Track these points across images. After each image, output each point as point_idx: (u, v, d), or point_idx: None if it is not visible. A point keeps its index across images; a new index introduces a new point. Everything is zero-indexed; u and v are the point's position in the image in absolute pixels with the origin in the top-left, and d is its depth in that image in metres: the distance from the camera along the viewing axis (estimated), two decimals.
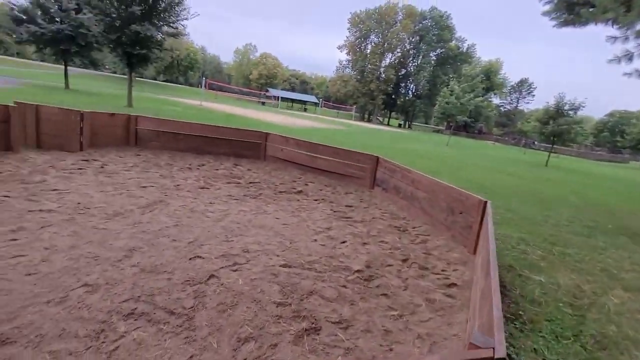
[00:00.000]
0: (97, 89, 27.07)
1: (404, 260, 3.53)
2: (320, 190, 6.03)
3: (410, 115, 70.15)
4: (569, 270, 3.79)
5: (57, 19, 19.39)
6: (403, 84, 67.71)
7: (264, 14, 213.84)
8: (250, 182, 5.84)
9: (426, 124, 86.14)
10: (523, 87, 72.51)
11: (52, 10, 19.05)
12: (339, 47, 68.62)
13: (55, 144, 5.66)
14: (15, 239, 2.74)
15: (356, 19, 63.30)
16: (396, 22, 60.73)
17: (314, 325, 2.27)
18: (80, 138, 5.81)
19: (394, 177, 5.63)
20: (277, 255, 3.21)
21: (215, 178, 5.74)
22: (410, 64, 65.49)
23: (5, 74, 26.43)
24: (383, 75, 63.12)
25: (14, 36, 20.26)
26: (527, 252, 4.21)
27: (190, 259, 2.90)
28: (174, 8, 17.64)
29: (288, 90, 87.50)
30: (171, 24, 17.44)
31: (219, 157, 7.30)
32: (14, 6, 19.59)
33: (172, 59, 79.16)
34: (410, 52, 64.47)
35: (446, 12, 61.51)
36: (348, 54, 67.71)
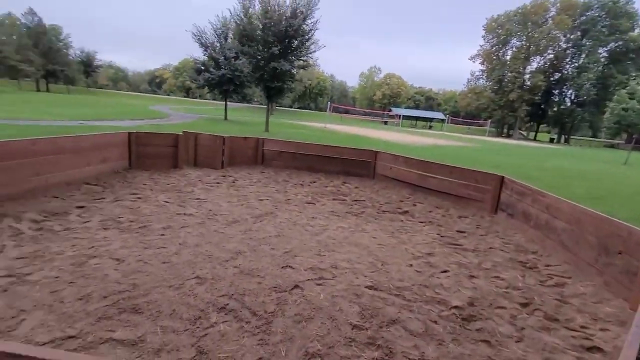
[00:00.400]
0: (248, 118, 33.15)
1: (525, 305, 2.82)
2: (430, 212, 5.53)
3: (568, 127, 57.05)
4: None
5: (222, 67, 24.89)
6: (557, 91, 56.15)
7: (390, 35, 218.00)
8: (355, 200, 5.89)
9: (594, 137, 68.37)
10: None
11: (219, 60, 24.62)
12: (471, 58, 63.02)
13: (206, 163, 7.17)
14: (163, 235, 3.57)
15: (493, 24, 57.02)
16: (546, 20, 51.50)
17: (387, 358, 2.05)
18: (222, 158, 7.18)
19: (522, 202, 4.65)
20: (365, 276, 3.09)
21: (322, 194, 6.05)
22: (568, 66, 53.92)
23: (187, 111, 35.51)
24: (528, 83, 54.07)
25: (195, 83, 27.18)
26: None
27: (282, 267, 3.11)
28: (305, 44, 20.09)
29: (412, 108, 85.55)
30: (301, 58, 19.88)
31: (330, 174, 7.69)
32: (197, 60, 26.30)
33: (305, 88, 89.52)
34: (568, 51, 53.17)
35: None
36: (482, 63, 61.31)
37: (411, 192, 6.62)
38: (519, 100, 52.59)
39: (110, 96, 63.56)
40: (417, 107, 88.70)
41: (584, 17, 50.84)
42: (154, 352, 1.92)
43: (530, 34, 52.59)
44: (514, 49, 56.11)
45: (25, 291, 2.36)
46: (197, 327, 2.17)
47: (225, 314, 2.34)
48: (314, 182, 6.99)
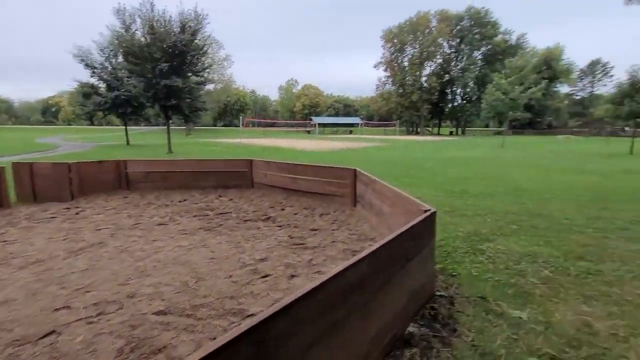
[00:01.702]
0: (153, 141, 30.49)
1: None
2: (295, 214, 5.43)
3: (462, 121, 65.55)
4: (582, 300, 2.57)
5: (116, 88, 22.48)
6: (449, 90, 64.19)
7: (307, 48, 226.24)
8: (220, 214, 5.51)
9: (487, 127, 79.57)
10: (596, 69, 63.39)
11: (109, 81, 22.24)
12: (375, 66, 68.52)
13: (49, 196, 6.05)
14: None
15: (389, 34, 62.98)
16: (431, 30, 58.85)
17: None
18: (70, 188, 6.15)
19: (367, 192, 4.81)
20: (163, 300, 2.70)
21: (185, 212, 5.53)
22: (454, 68, 62.15)
23: (86, 140, 31.40)
24: (425, 85, 60.76)
25: (85, 108, 24.06)
26: (526, 273, 3.04)
27: (55, 309, 2.55)
28: (200, 59, 19.28)
29: (333, 115, 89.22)
30: (198, 74, 19.01)
31: (206, 190, 7.19)
32: (84, 83, 23.37)
33: (225, 105, 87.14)
34: (452, 56, 61.41)
35: (483, 7, 57.89)
36: (386, 70, 67.13)
37: (286, 197, 6.50)
38: (421, 101, 58.72)
39: None
40: (337, 115, 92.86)
41: (459, 26, 59.46)
42: None
43: (421, 42, 59.41)
44: (410, 55, 62.71)
45: None
46: None
47: None
48: (184, 200, 6.42)
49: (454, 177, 9.35)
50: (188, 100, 18.98)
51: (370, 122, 70.33)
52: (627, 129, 39.97)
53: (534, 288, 2.75)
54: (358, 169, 5.38)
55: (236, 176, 7.30)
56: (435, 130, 70.88)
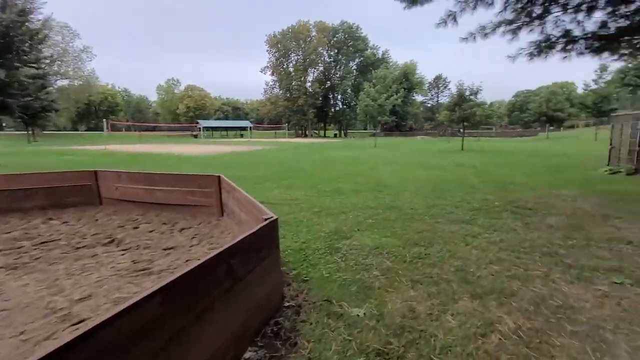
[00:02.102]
0: None
1: None
2: (150, 232, 4.67)
3: (344, 124, 71.92)
4: (410, 285, 2.87)
5: None
6: (331, 96, 69.36)
7: (193, 48, 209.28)
8: (41, 243, 4.28)
9: (365, 129, 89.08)
10: (439, 82, 78.67)
11: None
12: (262, 70, 68.64)
13: None
14: None
15: (273, 39, 63.93)
16: (312, 39, 62.45)
17: None
18: None
19: (230, 200, 4.49)
20: None
21: None
22: (334, 76, 67.51)
23: None
24: (310, 90, 64.03)
25: None
26: (371, 267, 3.26)
27: None
28: (34, 47, 15.34)
29: (222, 119, 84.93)
30: (30, 64, 15.07)
31: (30, 213, 5.58)
32: None
33: (87, 105, 72.98)
34: (332, 64, 66.58)
35: (354, 23, 64.92)
36: (273, 74, 67.91)
37: (143, 212, 5.58)
38: (307, 105, 61.63)
39: None
40: (226, 118, 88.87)
41: (335, 38, 64.98)
42: None
43: (303, 49, 62.34)
44: (295, 62, 65.11)
45: None
46: None
47: None
48: None
49: (329, 177, 9.90)
50: (22, 97, 14.85)
51: (261, 125, 70.05)
52: (461, 130, 51.13)
53: (375, 281, 2.93)
54: (222, 176, 4.99)
55: (76, 192, 5.90)
56: (322, 133, 75.54)
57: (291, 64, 65.77)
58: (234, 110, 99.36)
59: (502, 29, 6.12)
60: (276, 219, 2.50)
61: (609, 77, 51.38)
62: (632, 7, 5.01)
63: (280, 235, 3.14)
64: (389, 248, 3.74)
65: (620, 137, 10.38)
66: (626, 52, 5.73)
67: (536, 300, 2.59)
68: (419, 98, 77.74)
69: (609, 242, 3.88)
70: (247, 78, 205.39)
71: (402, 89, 64.32)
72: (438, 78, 77.95)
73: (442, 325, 2.26)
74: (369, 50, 67.40)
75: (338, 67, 67.27)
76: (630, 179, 8.75)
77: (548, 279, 2.95)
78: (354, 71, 67.65)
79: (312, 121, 67.19)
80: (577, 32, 5.64)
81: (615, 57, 5.84)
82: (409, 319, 2.35)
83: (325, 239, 4.11)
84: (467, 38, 6.65)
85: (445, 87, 77.94)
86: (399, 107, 66.64)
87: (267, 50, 65.58)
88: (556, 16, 5.92)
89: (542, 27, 6.09)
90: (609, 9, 5.15)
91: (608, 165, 10.62)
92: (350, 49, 64.97)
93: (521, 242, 3.90)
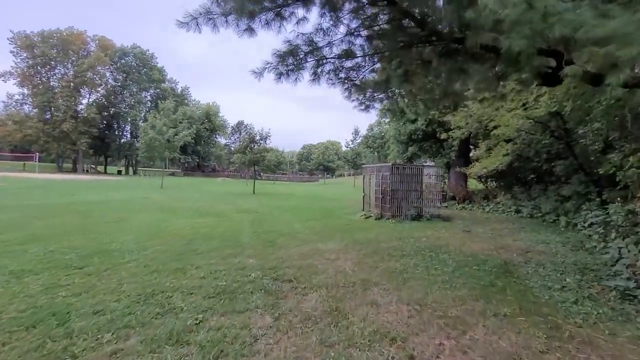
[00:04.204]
0: None
1: None
2: None
3: (133, 159, 60.76)
4: None
5: None
6: (116, 125, 57.67)
7: None
8: None
9: (167, 167, 78.79)
10: (241, 128, 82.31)
11: None
12: (2, 76, 48.84)
13: None
14: None
15: (26, 39, 47.41)
16: (88, 53, 50.83)
17: None
18: None
19: None
20: None
21: None
22: (120, 103, 56.99)
23: None
24: (83, 114, 50.61)
25: None
26: None
27: None
28: None
29: None
30: None
31: None
32: None
33: None
34: (117, 89, 56.15)
35: (148, 50, 58.67)
36: (22, 86, 49.45)
37: None
38: (76, 132, 47.83)
39: None
40: None
41: (123, 61, 55.93)
42: None
43: (75, 63, 49.41)
44: (61, 76, 50.35)
45: None
46: None
47: None
48: None
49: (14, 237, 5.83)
50: None
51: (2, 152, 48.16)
52: (262, 174, 53.78)
53: None
54: None
55: None
56: (101, 168, 60.70)
57: (55, 78, 50.46)
58: None
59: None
60: None
61: (360, 139, 69.64)
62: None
63: None
64: None
65: (370, 186, 12.12)
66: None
67: None
68: (222, 141, 77.79)
69: (370, 343, 2.79)
70: None
71: (205, 129, 62.33)
72: (240, 124, 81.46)
73: None
74: (166, 83, 61.89)
75: (126, 94, 57.42)
76: (379, 223, 9.84)
77: None
78: (149, 102, 59.69)
79: (85, 153, 52.62)
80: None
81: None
82: None
83: None
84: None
85: (247, 132, 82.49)
86: (200, 147, 63.62)
87: (12, 52, 47.64)
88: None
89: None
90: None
91: (363, 210, 12.08)
92: (144, 77, 57.25)
93: None
